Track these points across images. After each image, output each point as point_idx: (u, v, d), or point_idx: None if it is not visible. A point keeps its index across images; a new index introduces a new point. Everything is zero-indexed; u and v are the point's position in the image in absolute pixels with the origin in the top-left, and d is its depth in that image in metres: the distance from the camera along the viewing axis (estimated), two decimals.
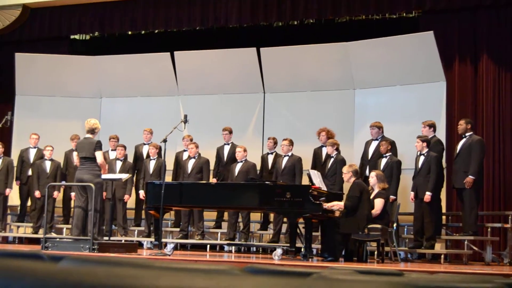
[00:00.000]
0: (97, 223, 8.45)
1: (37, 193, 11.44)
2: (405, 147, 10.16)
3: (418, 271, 6.47)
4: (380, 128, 10.10)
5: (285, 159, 10.44)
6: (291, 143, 10.44)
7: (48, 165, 11.50)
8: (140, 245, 10.55)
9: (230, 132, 11.19)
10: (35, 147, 11.84)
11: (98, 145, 8.64)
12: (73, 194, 11.23)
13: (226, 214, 11.16)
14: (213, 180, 10.89)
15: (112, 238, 9.87)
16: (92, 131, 8.77)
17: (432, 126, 9.69)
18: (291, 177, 10.19)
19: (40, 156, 11.71)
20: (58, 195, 11.68)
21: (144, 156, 11.47)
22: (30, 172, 11.65)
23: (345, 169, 8.57)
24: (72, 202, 11.43)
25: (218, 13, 12.06)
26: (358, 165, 10.22)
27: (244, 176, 10.28)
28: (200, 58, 12.31)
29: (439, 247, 9.50)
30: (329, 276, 2.14)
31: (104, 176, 8.97)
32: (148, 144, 11.47)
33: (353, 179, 8.37)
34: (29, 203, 11.85)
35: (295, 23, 12.74)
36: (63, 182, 11.54)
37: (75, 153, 9.24)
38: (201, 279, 1.01)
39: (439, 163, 9.29)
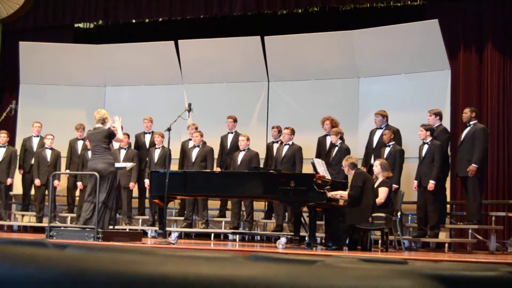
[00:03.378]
0: (109, 212, 8.52)
1: (37, 181, 11.44)
2: (409, 136, 10.13)
3: (422, 260, 6.48)
4: (385, 117, 10.04)
5: (285, 147, 10.43)
6: (292, 132, 10.43)
7: (48, 153, 11.47)
8: (144, 234, 10.58)
9: (235, 120, 11.18)
10: (37, 136, 11.82)
11: (111, 131, 8.69)
12: (79, 183, 11.25)
13: (230, 203, 11.17)
14: (217, 169, 10.90)
15: (116, 227, 9.89)
16: (103, 121, 8.77)
17: (438, 114, 9.65)
18: (291, 166, 10.16)
19: (42, 144, 11.72)
20: (59, 184, 11.68)
21: (147, 145, 11.47)
22: (33, 161, 11.65)
23: (343, 163, 8.55)
24: (78, 191, 11.47)
25: (222, 1, 12.05)
26: (363, 154, 10.24)
27: (247, 164, 10.27)
28: (204, 46, 12.29)
29: (443, 236, 9.51)
30: (333, 264, 2.15)
31: None
32: (149, 133, 11.48)
33: (352, 171, 8.34)
34: (32, 191, 11.87)
35: (300, 11, 12.70)
36: (67, 171, 11.56)
37: (87, 143, 9.25)
38: (205, 266, 1.01)
39: (442, 151, 9.26)
